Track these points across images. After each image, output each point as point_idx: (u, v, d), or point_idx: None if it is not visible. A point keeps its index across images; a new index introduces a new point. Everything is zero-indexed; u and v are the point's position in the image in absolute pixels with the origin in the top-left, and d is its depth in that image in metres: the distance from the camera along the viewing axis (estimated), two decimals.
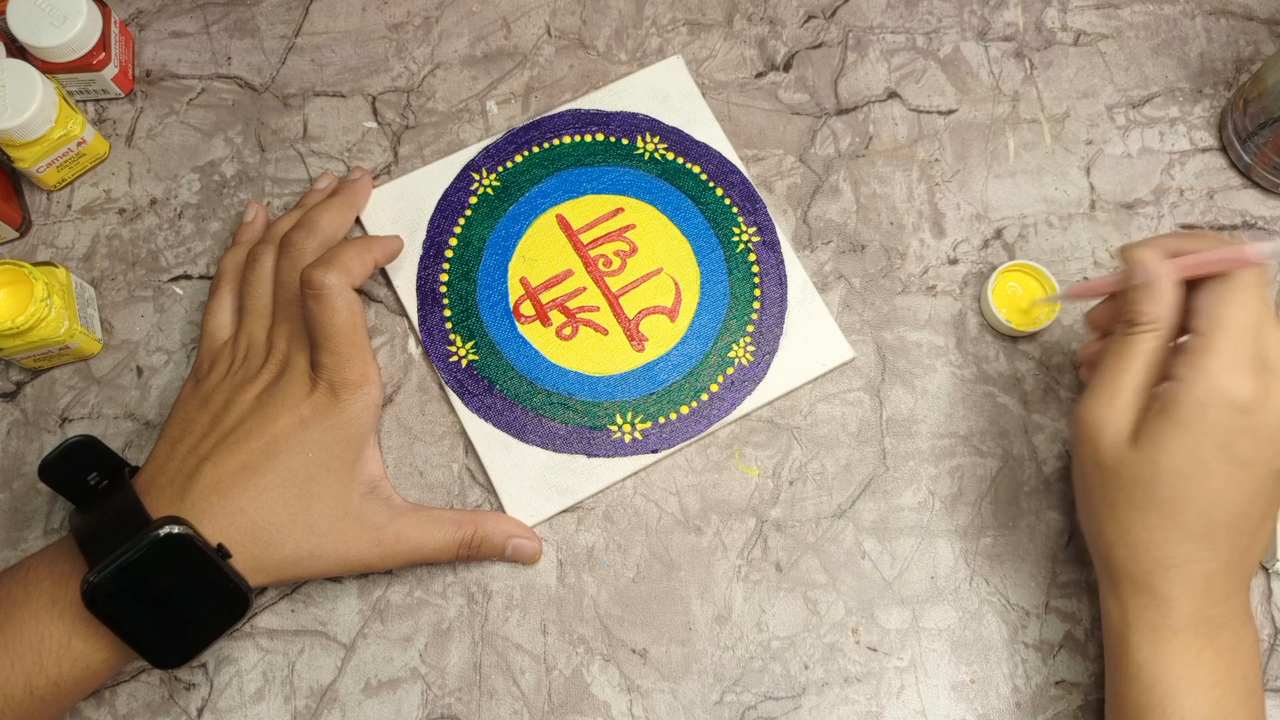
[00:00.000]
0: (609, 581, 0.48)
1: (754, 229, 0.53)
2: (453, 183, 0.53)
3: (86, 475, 0.43)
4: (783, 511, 0.49)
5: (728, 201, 0.53)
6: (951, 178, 0.55)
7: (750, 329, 0.51)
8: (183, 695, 0.46)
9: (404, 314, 0.51)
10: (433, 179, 0.53)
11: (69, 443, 0.42)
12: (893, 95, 0.56)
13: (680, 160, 0.53)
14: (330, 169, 0.53)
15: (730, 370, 0.50)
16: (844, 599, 0.48)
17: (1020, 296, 0.52)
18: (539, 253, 0.52)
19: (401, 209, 0.53)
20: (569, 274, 0.52)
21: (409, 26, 0.56)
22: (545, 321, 0.51)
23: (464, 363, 0.50)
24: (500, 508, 0.49)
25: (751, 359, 0.51)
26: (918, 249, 0.53)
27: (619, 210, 0.53)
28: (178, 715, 0.46)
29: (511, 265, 0.52)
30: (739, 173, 0.53)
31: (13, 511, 0.48)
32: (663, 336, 0.51)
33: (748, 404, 0.50)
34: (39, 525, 0.48)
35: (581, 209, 0.53)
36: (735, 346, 0.51)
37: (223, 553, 0.41)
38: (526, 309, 0.51)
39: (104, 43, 0.51)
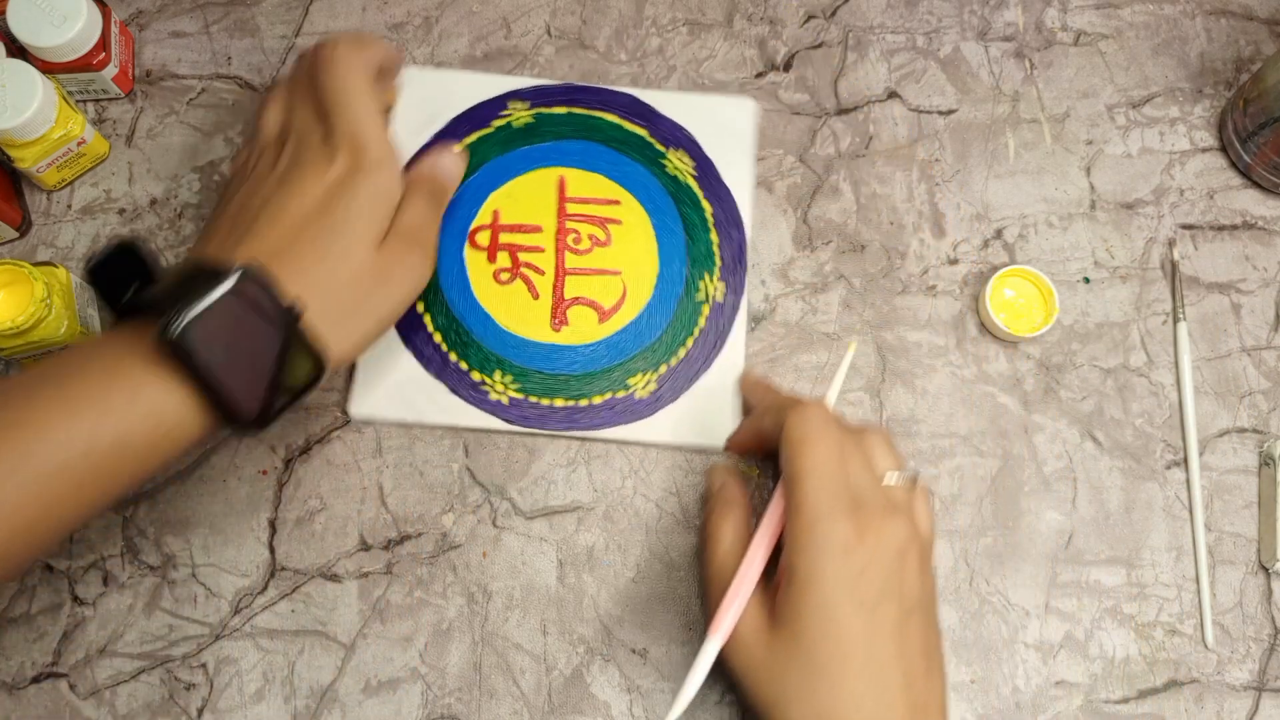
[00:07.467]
0: (609, 581, 0.48)
1: (723, 286, 0.52)
2: (489, 100, 0.54)
3: (129, 282, 0.40)
4: None
5: (716, 250, 0.52)
6: (951, 178, 0.55)
7: (663, 370, 0.50)
8: (183, 695, 0.46)
9: None
10: (468, 86, 0.54)
11: (114, 245, 0.41)
12: (893, 95, 0.56)
13: (697, 190, 0.53)
14: None
15: (621, 393, 0.50)
16: None
17: (1018, 301, 0.52)
18: (524, 197, 0.52)
19: (424, 98, 0.54)
20: (537, 230, 0.52)
21: (409, 26, 0.56)
22: (491, 257, 0.51)
23: None
24: (351, 385, 0.49)
25: (647, 395, 0.50)
26: (918, 249, 0.53)
27: (616, 202, 0.53)
28: (178, 715, 0.46)
29: (494, 195, 0.52)
30: (741, 231, 0.52)
31: None
32: (584, 330, 0.51)
33: (615, 432, 0.50)
34: None
35: (585, 182, 0.53)
36: (638, 375, 0.50)
37: (295, 311, 0.40)
38: (482, 238, 0.52)
39: (104, 43, 0.51)
